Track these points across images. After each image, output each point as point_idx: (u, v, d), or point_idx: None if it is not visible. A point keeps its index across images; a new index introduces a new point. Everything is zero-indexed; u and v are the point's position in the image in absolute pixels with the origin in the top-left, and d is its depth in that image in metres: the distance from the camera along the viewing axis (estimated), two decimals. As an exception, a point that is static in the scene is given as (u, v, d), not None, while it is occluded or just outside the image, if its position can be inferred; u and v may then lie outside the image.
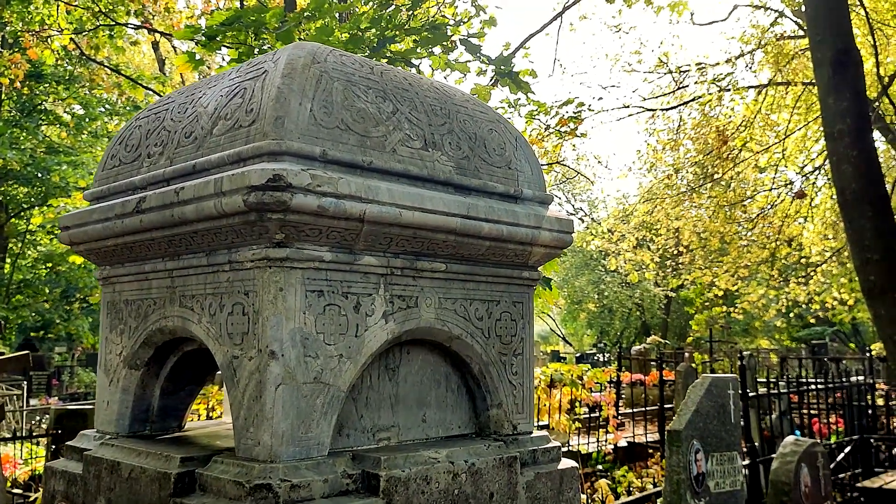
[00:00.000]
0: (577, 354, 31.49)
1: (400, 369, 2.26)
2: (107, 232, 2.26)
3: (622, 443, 12.91)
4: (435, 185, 2.20)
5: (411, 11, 6.18)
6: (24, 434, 9.94)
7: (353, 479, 1.94)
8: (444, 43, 5.56)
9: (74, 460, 2.38)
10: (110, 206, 2.25)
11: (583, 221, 32.58)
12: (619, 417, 14.78)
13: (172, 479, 1.94)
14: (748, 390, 8.90)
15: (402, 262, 2.13)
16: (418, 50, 5.57)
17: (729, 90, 18.68)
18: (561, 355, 29.81)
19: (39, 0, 16.73)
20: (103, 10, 16.96)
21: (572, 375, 12.82)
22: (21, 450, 9.16)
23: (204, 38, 6.55)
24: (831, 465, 7.90)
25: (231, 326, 2.00)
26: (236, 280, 2.00)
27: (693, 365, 19.90)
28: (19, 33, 17.91)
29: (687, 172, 20.96)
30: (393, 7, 6.32)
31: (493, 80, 7.00)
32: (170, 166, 2.18)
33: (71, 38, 18.41)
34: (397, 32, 5.77)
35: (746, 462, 8.19)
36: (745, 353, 10.08)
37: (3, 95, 25.21)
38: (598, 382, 13.59)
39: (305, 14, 6.71)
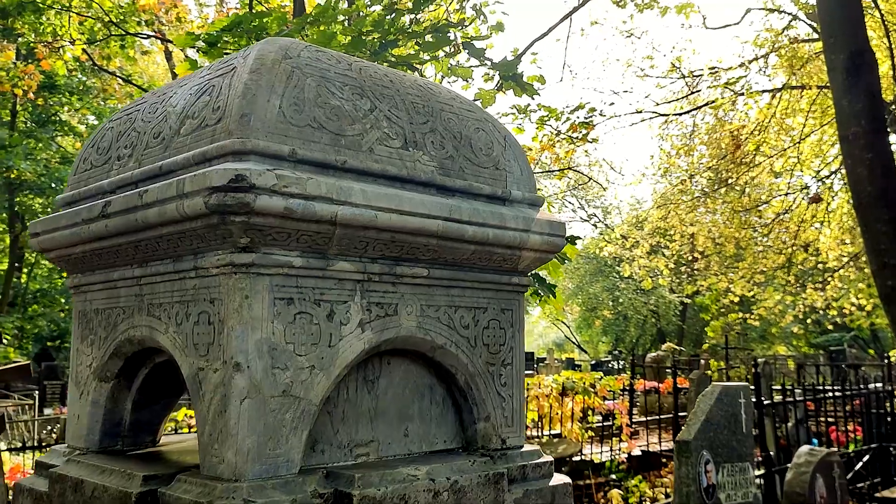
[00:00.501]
0: (593, 362, 31.26)
1: (380, 381, 2.14)
2: (74, 238, 2.17)
3: (636, 451, 12.72)
4: (416, 187, 2.08)
5: (414, 15, 6.08)
6: (34, 444, 9.90)
7: (324, 499, 1.82)
8: (447, 47, 5.46)
9: (42, 477, 2.28)
10: (77, 211, 2.15)
11: (596, 227, 32.37)
12: (633, 426, 14.60)
13: (133, 499, 1.83)
14: (762, 398, 8.72)
15: (379, 268, 2.02)
16: (421, 55, 5.47)
17: (742, 94, 18.49)
18: (576, 363, 29.58)
19: (51, 11, 16.78)
20: (114, 21, 17.02)
21: (584, 383, 12.65)
22: (32, 459, 9.11)
23: (204, 45, 6.49)
24: (849, 475, 7.70)
25: (197, 336, 1.89)
26: (202, 287, 1.89)
27: (709, 372, 19.66)
28: (32, 44, 18.01)
29: (701, 178, 20.76)
30: (395, 13, 6.23)
31: (498, 85, 6.89)
32: (138, 168, 2.08)
33: (83, 49, 18.49)
34: (399, 36, 5.67)
35: (761, 472, 8.01)
36: (759, 360, 9.90)
37: (17, 107, 25.37)
38: (611, 390, 13.40)
39: (309, 19, 6.64)
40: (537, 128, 14.79)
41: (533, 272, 6.58)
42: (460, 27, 5.70)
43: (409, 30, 5.71)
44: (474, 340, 2.24)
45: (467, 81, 6.42)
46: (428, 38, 5.73)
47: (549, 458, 2.37)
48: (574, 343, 39.67)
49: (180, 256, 1.94)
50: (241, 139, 1.79)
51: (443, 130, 2.22)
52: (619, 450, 12.59)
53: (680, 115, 20.92)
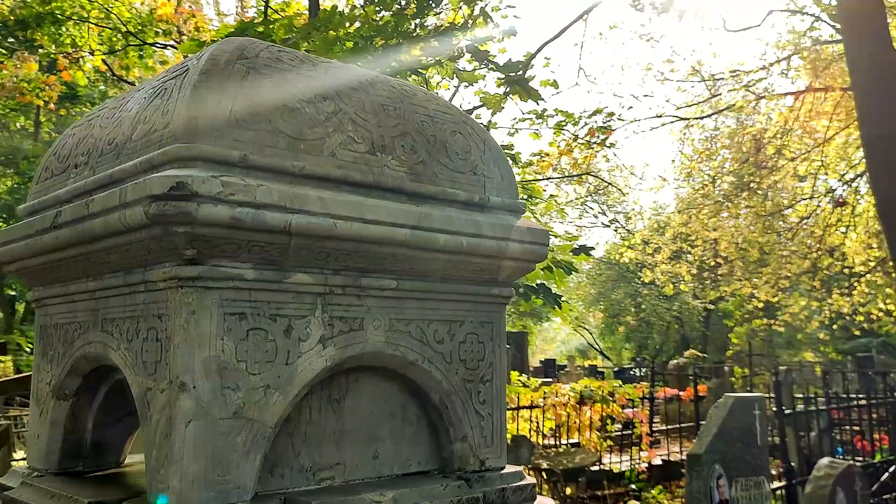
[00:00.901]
0: (616, 369, 30.96)
1: (346, 400, 2.02)
2: (30, 250, 2.07)
3: (657, 461, 12.50)
4: (383, 193, 1.96)
5: (418, 20, 5.97)
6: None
7: (277, 529, 1.71)
8: (451, 51, 5.34)
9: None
10: (32, 222, 2.06)
11: (618, 233, 32.07)
12: (654, 435, 14.36)
13: (76, 528, 1.72)
14: (783, 407, 8.50)
15: (343, 280, 1.90)
16: (424, 59, 5.36)
17: (763, 97, 18.21)
18: (599, 370, 29.30)
19: (70, 22, 16.91)
20: (132, 31, 17.11)
21: (603, 392, 12.46)
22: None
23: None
24: (874, 486, 7.46)
25: (145, 354, 1.78)
26: (151, 302, 1.78)
27: (733, 379, 19.35)
28: (53, 55, 18.16)
29: (722, 182, 20.47)
30: (400, 18, 6.13)
31: (506, 91, 6.77)
32: (92, 177, 1.98)
33: (103, 59, 18.62)
34: (402, 41, 5.57)
35: (782, 484, 7.79)
36: (781, 368, 9.66)
37: (41, 118, 25.61)
38: (630, 399, 13.20)
39: (316, 25, 6.56)
40: (555, 133, 14.63)
41: (538, 282, 6.44)
42: (465, 31, 5.59)
43: (414, 34, 5.60)
44: (450, 356, 2.11)
45: (471, 85, 6.30)
46: (434, 42, 5.62)
47: (532, 481, 2.24)
48: (597, 350, 39.32)
49: (131, 269, 1.84)
50: (186, 144, 1.68)
51: (415, 134, 2.10)
52: (639, 459, 12.38)
53: (701, 118, 20.68)
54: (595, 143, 16.40)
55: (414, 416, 2.14)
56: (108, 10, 16.58)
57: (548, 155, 16.84)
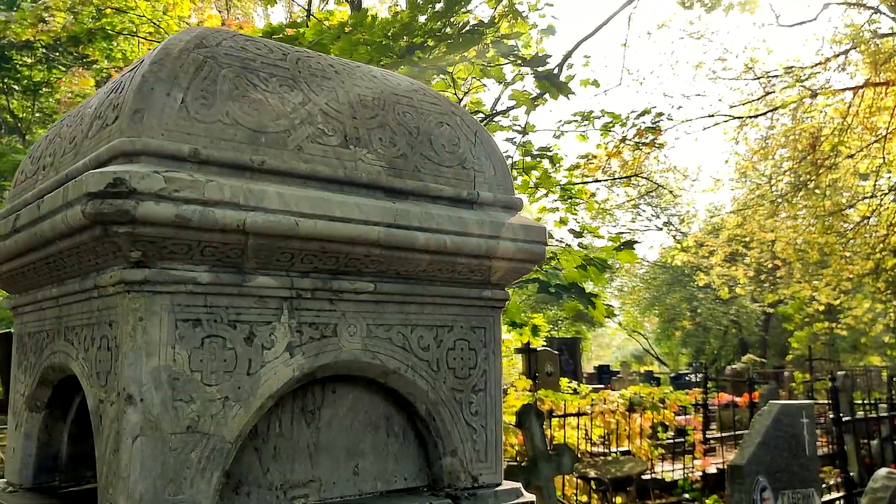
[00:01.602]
0: (672, 374, 30.29)
1: (322, 412, 1.88)
2: (-3, 256, 1.98)
3: (711, 469, 12.09)
4: (356, 189, 1.82)
5: (445, 19, 5.84)
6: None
7: (232, 553, 1.57)
8: (476, 46, 5.19)
9: (-27, 516, 2.10)
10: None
11: (674, 236, 31.43)
12: (709, 442, 13.93)
13: (23, 550, 1.62)
14: (841, 414, 8.11)
15: (312, 283, 1.76)
16: (449, 57, 5.22)
17: (818, 94, 17.62)
18: (655, 375, 28.70)
19: (120, 37, 17.23)
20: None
21: (653, 398, 12.11)
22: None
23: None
24: (939, 500, 7.04)
25: (98, 364, 1.67)
26: (104, 308, 1.67)
27: (793, 385, 18.71)
28: (105, 70, 18.53)
29: (778, 181, 19.87)
30: (428, 18, 6.00)
31: (541, 94, 6.58)
32: (54, 176, 1.89)
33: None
34: (427, 39, 5.44)
35: (840, 494, 7.42)
36: (839, 372, 9.25)
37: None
38: (682, 405, 12.81)
39: (346, 28, 6.48)
40: (602, 134, 14.37)
41: (571, 282, 6.23)
42: (492, 27, 5.44)
43: (440, 32, 5.47)
44: (437, 364, 1.96)
45: (507, 85, 6.14)
46: (460, 40, 5.48)
47: (531, 498, 2.07)
48: (653, 355, 38.58)
49: (86, 274, 1.73)
50: (130, 139, 1.57)
51: (395, 125, 1.95)
52: (693, 468, 12.00)
53: (754, 117, 20.10)
54: (644, 143, 16.07)
55: (399, 428, 2.00)
56: (156, 24, 16.84)
57: (595, 157, 16.55)
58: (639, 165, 18.23)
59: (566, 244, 6.35)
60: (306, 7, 13.39)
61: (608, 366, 30.28)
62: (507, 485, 2.07)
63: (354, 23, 6.48)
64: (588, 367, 33.06)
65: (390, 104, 1.99)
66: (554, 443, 9.64)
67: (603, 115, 14.74)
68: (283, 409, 1.81)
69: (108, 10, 15.11)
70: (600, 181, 17.52)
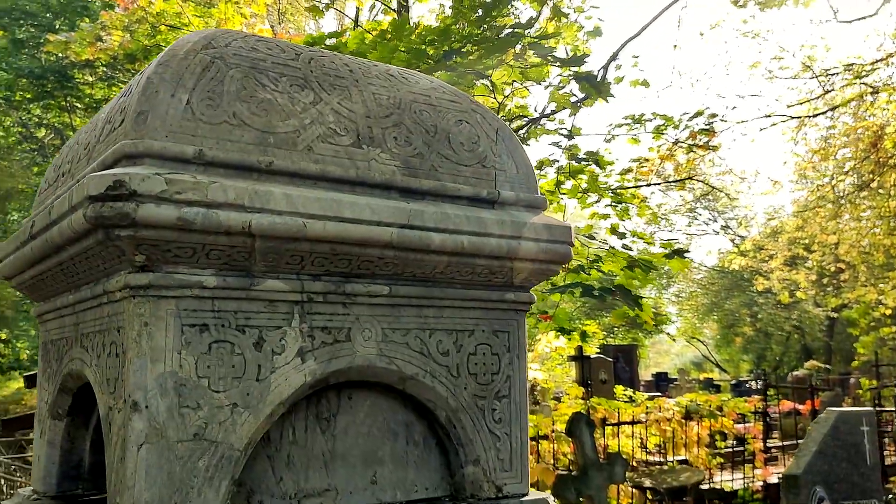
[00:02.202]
0: (733, 382, 29.60)
1: (337, 418, 1.83)
2: (18, 263, 1.98)
3: (773, 479, 11.72)
4: (369, 190, 1.77)
5: (486, 23, 5.78)
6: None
7: (239, 564, 1.53)
8: (513, 49, 5.11)
9: (-2, 524, 2.10)
10: (18, 233, 1.97)
11: (732, 240, 30.73)
12: (770, 451, 13.54)
13: (33, 559, 1.60)
14: (907, 423, 7.76)
15: (324, 286, 1.72)
16: (486, 60, 5.16)
17: (880, 91, 17.06)
18: (715, 382, 28.07)
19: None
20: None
21: (710, 406, 11.82)
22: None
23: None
24: None
25: (108, 371, 1.65)
26: (113, 314, 1.65)
27: (859, 391, 18.07)
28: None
29: (839, 182, 19.29)
30: (466, 23, 5.95)
31: (586, 97, 6.47)
32: (71, 182, 1.88)
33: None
34: (465, 44, 5.39)
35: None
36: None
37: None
38: (740, 413, 12.46)
39: (387, 36, 6.47)
40: (654, 137, 14.13)
41: (617, 284, 6.08)
42: (528, 27, 5.35)
43: (478, 37, 5.41)
44: (457, 369, 1.90)
45: (538, 84, 6.04)
46: (497, 43, 5.41)
47: (559, 509, 1.98)
48: (712, 362, 37.75)
49: (97, 280, 1.72)
50: (133, 140, 1.54)
51: (411, 124, 1.90)
52: (753, 477, 11.66)
53: (814, 116, 19.56)
54: (697, 146, 15.76)
55: (419, 435, 1.93)
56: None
57: (647, 161, 16.29)
58: (693, 168, 17.89)
59: (610, 246, 6.22)
60: (354, 18, 13.49)
61: (666, 373, 29.76)
62: (535, 495, 1.99)
63: (394, 30, 6.48)
64: (646, 374, 32.51)
65: (407, 102, 1.93)
66: (608, 451, 9.46)
67: (655, 118, 14.47)
68: (296, 416, 1.77)
69: (163, 28, 15.41)
70: (653, 185, 17.23)
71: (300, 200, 1.61)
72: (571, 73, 5.28)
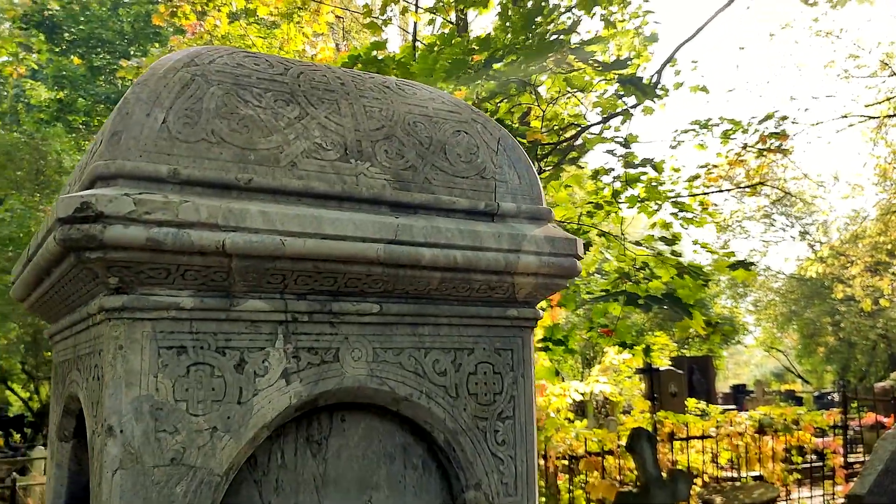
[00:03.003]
0: (815, 393, 28.54)
1: (329, 441, 1.77)
2: (21, 286, 2.00)
3: (855, 497, 11.20)
4: (357, 205, 1.72)
5: (529, 32, 5.70)
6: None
7: None
8: (555, 56, 5.02)
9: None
10: (21, 257, 1.99)
11: (810, 246, 29.67)
12: (852, 467, 12.94)
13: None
14: None
15: (309, 306, 1.67)
16: (526, 66, 5.07)
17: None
18: (796, 395, 27.09)
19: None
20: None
21: (785, 420, 11.38)
22: None
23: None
24: None
25: (92, 394, 1.63)
26: (97, 337, 1.63)
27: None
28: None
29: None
30: (510, 32, 5.88)
31: (633, 99, 6.31)
32: (68, 206, 1.88)
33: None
34: (505, 52, 5.32)
35: None
36: None
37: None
38: (818, 427, 11.96)
39: (435, 48, 6.45)
40: (721, 142, 13.78)
41: (666, 293, 5.89)
42: (570, 33, 5.24)
43: (519, 44, 5.33)
44: (455, 389, 1.82)
45: (586, 91, 5.92)
46: (539, 51, 5.32)
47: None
48: (794, 373, 36.46)
49: (85, 302, 1.71)
50: (106, 161, 1.53)
51: (403, 136, 1.84)
52: (834, 494, 11.16)
53: (894, 116, 18.79)
54: (768, 150, 15.32)
55: (418, 459, 1.86)
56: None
57: (715, 167, 15.88)
58: (765, 173, 17.38)
59: (657, 252, 6.03)
60: (412, 32, 13.59)
61: (744, 385, 28.89)
62: (542, 521, 1.89)
63: (441, 42, 6.46)
64: (724, 386, 31.61)
65: (400, 114, 1.88)
66: (674, 467, 9.18)
67: (722, 122, 14.08)
68: (285, 439, 1.72)
69: (228, 50, 15.83)
70: (723, 191, 16.78)
71: (278, 217, 1.57)
72: (615, 77, 5.14)
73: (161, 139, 1.57)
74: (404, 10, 11.09)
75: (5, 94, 21.53)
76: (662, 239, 6.25)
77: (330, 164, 1.72)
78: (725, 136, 14.34)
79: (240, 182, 1.61)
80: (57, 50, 19.89)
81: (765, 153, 15.47)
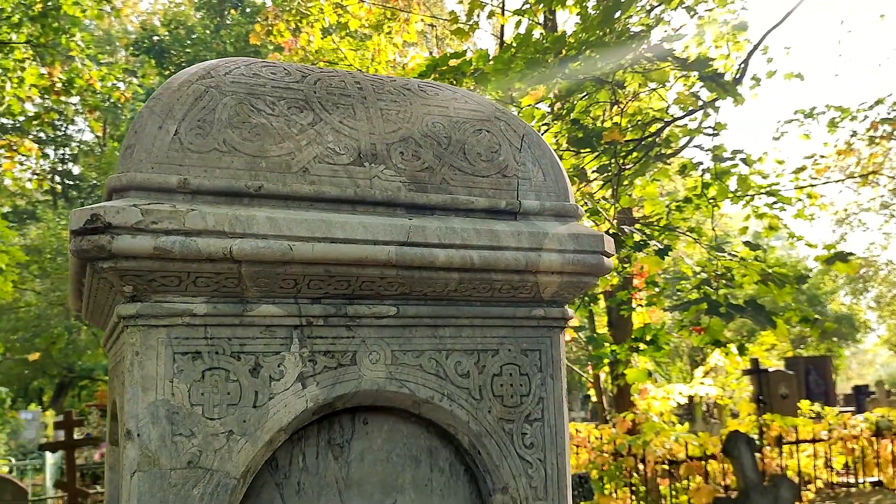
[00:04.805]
0: (948, 394, 26.75)
1: (352, 445, 1.77)
2: (71, 297, 2.10)
3: None
4: (370, 208, 1.72)
5: (607, 28, 5.59)
6: None
7: None
8: (630, 54, 4.90)
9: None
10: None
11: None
12: None
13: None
14: None
15: (323, 309, 1.68)
16: (601, 65, 4.97)
17: None
18: (927, 396, 25.46)
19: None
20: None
21: (905, 422, 10.70)
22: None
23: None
24: None
25: (119, 399, 1.69)
26: (123, 344, 1.69)
27: None
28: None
29: None
30: (586, 29, 5.79)
31: (716, 99, 6.09)
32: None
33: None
34: (581, 50, 5.23)
35: None
36: None
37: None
38: (944, 430, 11.18)
39: (511, 51, 6.43)
40: (828, 131, 13.18)
41: (748, 300, 5.62)
42: (653, 28, 5.09)
43: (594, 41, 5.24)
44: (479, 392, 1.79)
45: (665, 86, 5.74)
46: (616, 48, 5.22)
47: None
48: (923, 373, 34.34)
49: (112, 311, 1.77)
50: (118, 174, 1.58)
51: (420, 137, 1.83)
52: (964, 502, 10.41)
53: None
54: (880, 137, 14.55)
55: (445, 462, 1.84)
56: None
57: (823, 157, 15.17)
58: (878, 161, 16.48)
59: (740, 257, 5.77)
60: (499, 35, 13.58)
61: (866, 386, 27.40)
62: (575, 526, 1.84)
63: (518, 43, 6.41)
64: (846, 387, 30.07)
65: (418, 116, 1.87)
66: (781, 473, 8.78)
67: (829, 110, 13.44)
68: (307, 442, 1.74)
69: (321, 64, 16.21)
70: (831, 182, 15.99)
71: (286, 223, 1.59)
72: (696, 75, 4.98)
73: (172, 150, 1.61)
74: (491, 15, 11.05)
75: (123, 117, 22.78)
76: (747, 243, 5.99)
77: (343, 168, 1.73)
78: (833, 124, 13.66)
79: (250, 189, 1.63)
80: (166, 73, 20.90)
81: (877, 140, 14.65)
